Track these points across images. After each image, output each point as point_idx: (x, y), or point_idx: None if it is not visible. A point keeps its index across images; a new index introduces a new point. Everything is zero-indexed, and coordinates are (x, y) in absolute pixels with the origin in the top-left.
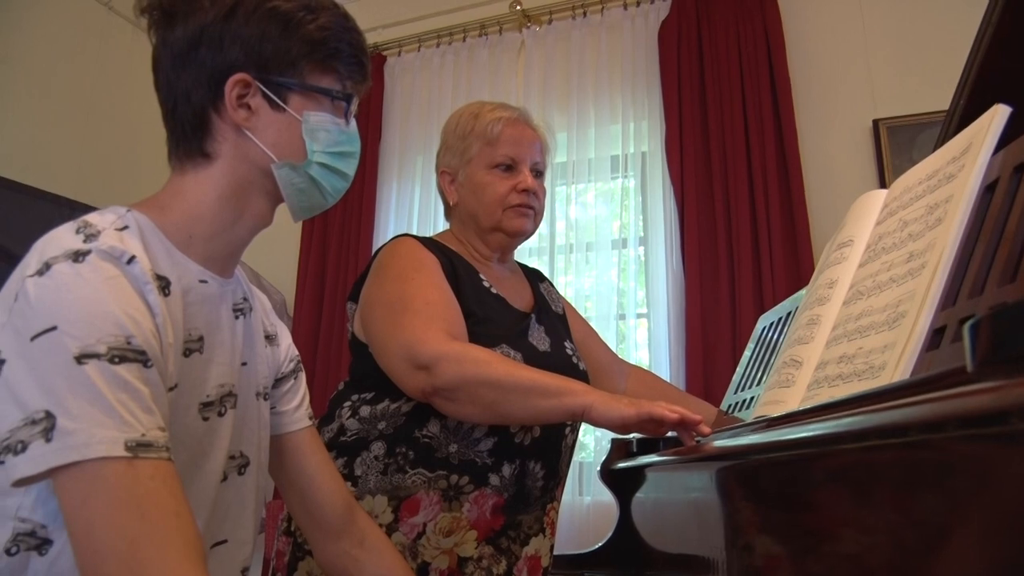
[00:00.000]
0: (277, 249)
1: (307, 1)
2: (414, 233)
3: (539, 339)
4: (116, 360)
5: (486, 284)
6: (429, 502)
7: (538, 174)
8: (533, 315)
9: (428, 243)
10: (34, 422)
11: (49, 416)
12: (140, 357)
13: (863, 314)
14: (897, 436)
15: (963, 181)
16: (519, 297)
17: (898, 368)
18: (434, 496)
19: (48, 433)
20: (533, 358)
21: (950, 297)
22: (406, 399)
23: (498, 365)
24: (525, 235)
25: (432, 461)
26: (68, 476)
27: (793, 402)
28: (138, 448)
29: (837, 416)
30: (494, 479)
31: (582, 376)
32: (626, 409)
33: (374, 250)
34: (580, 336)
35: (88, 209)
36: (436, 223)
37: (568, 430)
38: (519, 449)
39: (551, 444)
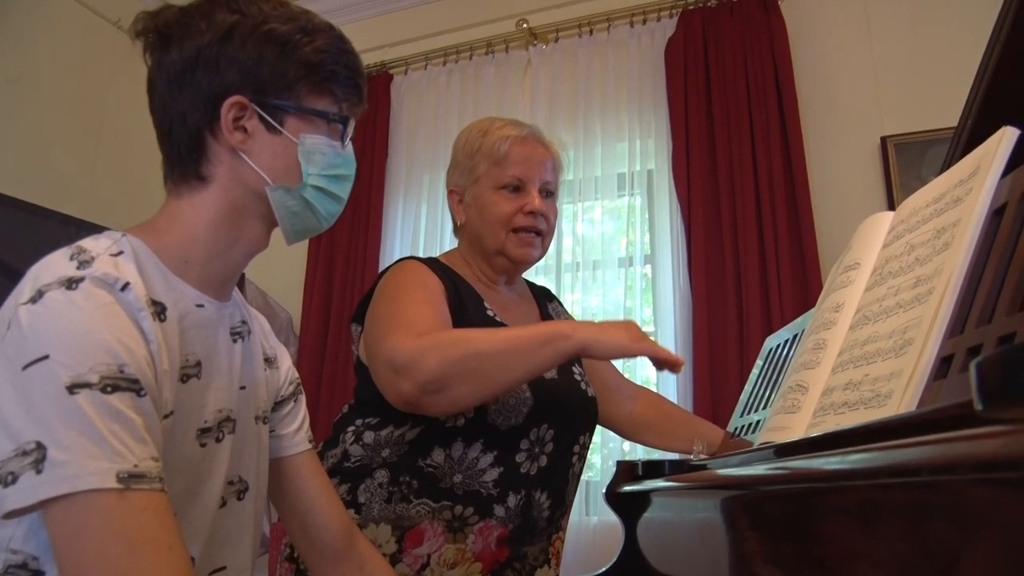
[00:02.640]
0: (283, 267)
1: (303, 24)
2: (420, 254)
3: None
4: (108, 389)
5: (490, 313)
6: (433, 533)
7: (548, 194)
8: None
9: (435, 267)
10: (25, 453)
11: (40, 447)
12: (133, 386)
13: (869, 340)
14: (903, 476)
15: (971, 205)
16: (525, 323)
17: (904, 397)
18: (438, 527)
19: (39, 464)
20: (539, 385)
21: (958, 324)
22: (410, 426)
23: (476, 336)
24: (530, 263)
25: (436, 491)
26: (59, 508)
27: (799, 429)
28: (130, 479)
29: (842, 452)
30: (499, 510)
31: (591, 403)
32: (624, 341)
33: (380, 268)
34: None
35: (96, 228)
36: (443, 242)
37: (575, 459)
38: (525, 479)
39: (558, 473)
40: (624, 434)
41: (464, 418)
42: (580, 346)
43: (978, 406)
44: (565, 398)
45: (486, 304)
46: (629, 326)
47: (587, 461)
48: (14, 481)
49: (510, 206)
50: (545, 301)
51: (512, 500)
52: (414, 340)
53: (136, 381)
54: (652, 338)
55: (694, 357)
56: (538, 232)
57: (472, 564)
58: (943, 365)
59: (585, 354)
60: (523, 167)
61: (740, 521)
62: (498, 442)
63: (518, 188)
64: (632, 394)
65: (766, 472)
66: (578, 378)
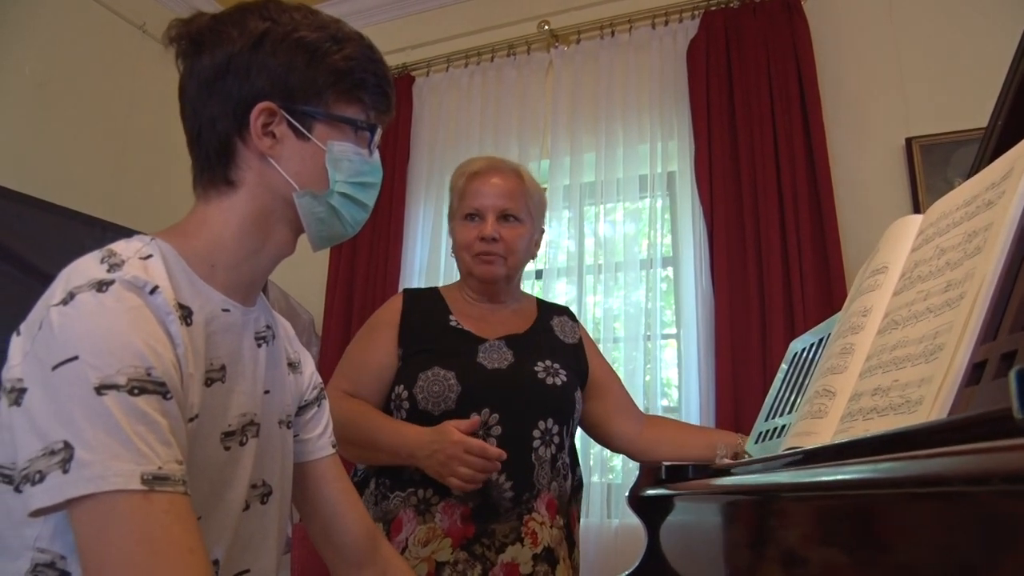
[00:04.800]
0: (306, 269)
1: (333, 32)
2: (442, 255)
3: (495, 359)
4: (136, 391)
5: (453, 323)
6: (407, 519)
7: (512, 219)
8: (503, 340)
9: (415, 298)
10: (52, 452)
11: (67, 447)
12: (159, 389)
13: (898, 345)
14: (934, 485)
15: (1004, 208)
16: (497, 327)
17: (936, 404)
18: (410, 512)
19: (65, 464)
20: (470, 374)
21: (991, 330)
22: None
23: (352, 428)
24: (495, 280)
25: (402, 481)
26: (83, 508)
27: (826, 434)
28: (154, 481)
29: (871, 460)
30: (455, 490)
31: (547, 390)
32: (434, 473)
33: (402, 269)
34: (599, 375)
35: (122, 230)
36: None
37: (538, 443)
38: None
39: (515, 456)
40: (635, 455)
41: (404, 410)
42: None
43: (1018, 415)
44: (509, 385)
45: (451, 316)
46: (447, 455)
47: (608, 464)
48: (41, 480)
49: (471, 234)
50: (551, 314)
51: None
52: (335, 400)
53: (163, 384)
54: (676, 349)
55: (716, 360)
56: (494, 254)
57: (442, 540)
58: (975, 371)
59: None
60: (477, 198)
61: (764, 527)
62: None
63: (478, 217)
64: (641, 419)
65: (791, 480)
66: (538, 368)
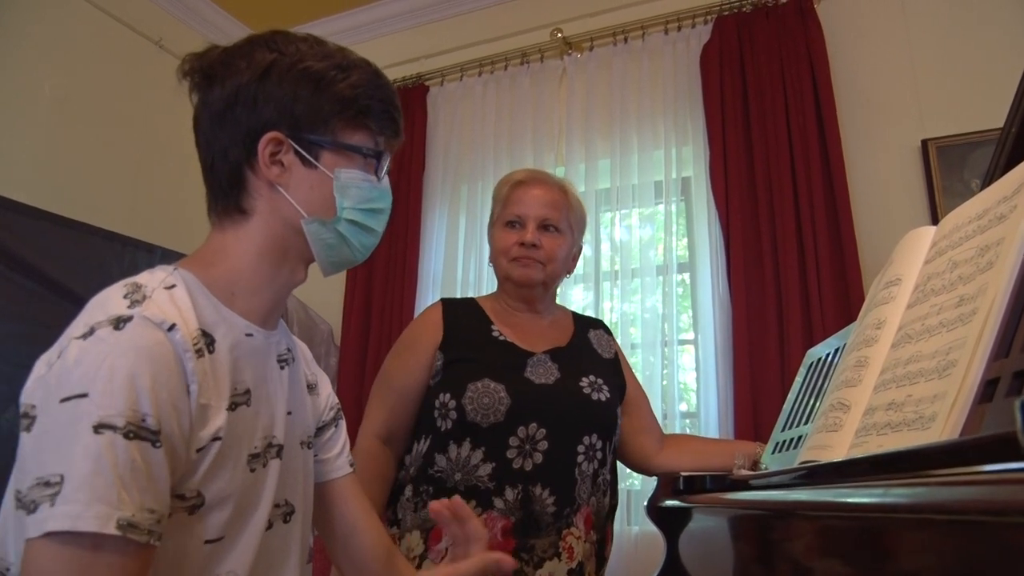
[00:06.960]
0: (323, 279)
1: (339, 61)
2: (459, 263)
3: (542, 373)
4: (130, 435)
5: (495, 334)
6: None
7: (552, 229)
8: (548, 354)
9: (450, 310)
10: (48, 484)
11: (63, 481)
12: (151, 436)
13: (912, 359)
14: (948, 513)
15: (1015, 223)
16: (539, 340)
17: (949, 421)
18: None
19: (54, 498)
20: (520, 389)
21: (1003, 347)
22: (425, 437)
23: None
24: (532, 284)
25: (445, 491)
26: (51, 540)
27: (840, 448)
28: (128, 528)
29: (885, 484)
30: (499, 503)
31: (593, 406)
32: None
33: (419, 279)
34: (632, 393)
35: (140, 244)
36: (482, 252)
37: (582, 459)
38: (520, 474)
39: (559, 471)
40: (649, 473)
41: (451, 420)
42: None
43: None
44: (556, 401)
45: (493, 327)
46: None
47: (627, 471)
48: (35, 510)
49: (510, 239)
50: (588, 328)
51: (510, 494)
52: (366, 448)
53: (156, 432)
54: (693, 355)
55: (734, 364)
56: (532, 259)
57: None
58: (988, 388)
59: None
60: (520, 206)
61: (782, 538)
62: (484, 439)
63: (519, 224)
64: (661, 438)
65: (804, 498)
66: (584, 384)
